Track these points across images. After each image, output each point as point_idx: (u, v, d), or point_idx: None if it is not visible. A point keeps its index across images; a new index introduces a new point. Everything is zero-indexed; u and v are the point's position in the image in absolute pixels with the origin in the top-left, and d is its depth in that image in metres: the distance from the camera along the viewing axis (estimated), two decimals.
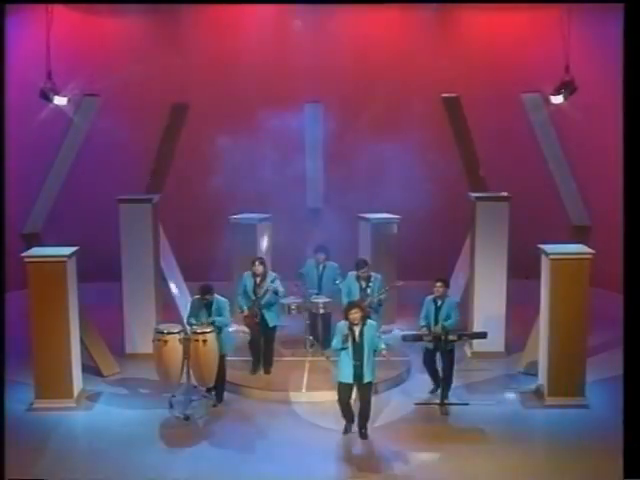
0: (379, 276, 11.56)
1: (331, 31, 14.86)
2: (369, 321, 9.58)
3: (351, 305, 9.63)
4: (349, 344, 9.29)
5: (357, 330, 9.34)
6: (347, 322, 9.36)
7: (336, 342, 9.40)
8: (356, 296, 11.20)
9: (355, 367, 9.33)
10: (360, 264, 11.54)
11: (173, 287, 13.36)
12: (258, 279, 11.24)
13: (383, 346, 9.51)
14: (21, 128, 13.19)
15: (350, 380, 9.40)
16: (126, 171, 13.89)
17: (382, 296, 11.43)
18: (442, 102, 13.17)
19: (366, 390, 9.51)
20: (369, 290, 11.35)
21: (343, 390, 9.51)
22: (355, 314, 9.32)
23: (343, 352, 9.35)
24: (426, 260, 13.97)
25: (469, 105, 13.04)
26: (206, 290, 10.40)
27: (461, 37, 14.84)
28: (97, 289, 13.05)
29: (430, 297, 10.65)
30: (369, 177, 14.94)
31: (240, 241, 13.48)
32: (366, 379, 9.40)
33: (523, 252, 11.77)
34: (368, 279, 11.40)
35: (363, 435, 9.58)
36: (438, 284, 10.58)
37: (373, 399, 9.66)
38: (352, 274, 11.52)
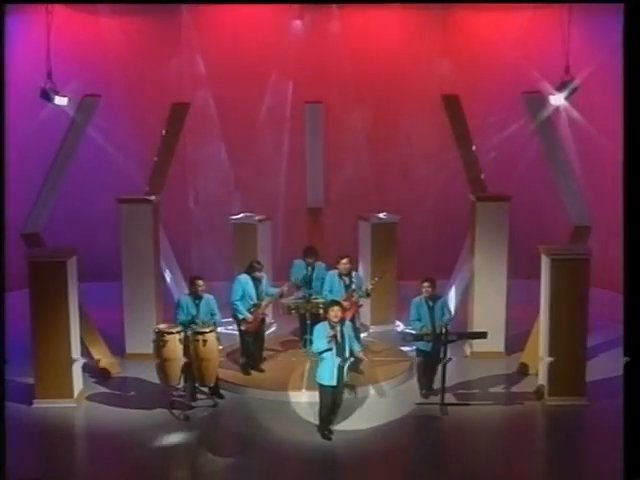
0: (359, 274, 11.39)
1: (331, 31, 14.87)
2: (346, 320, 9.54)
3: (332, 303, 9.46)
4: (333, 344, 9.12)
5: (338, 330, 9.19)
6: (326, 322, 9.21)
7: (320, 344, 9.14)
8: (340, 294, 10.97)
9: (339, 367, 9.17)
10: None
11: (173, 287, 13.35)
12: (257, 282, 11.17)
13: (358, 348, 9.49)
14: (21, 128, 13.19)
15: (334, 382, 9.21)
16: (126, 171, 13.89)
17: (369, 288, 11.27)
18: (442, 101, 13.15)
19: (340, 392, 9.40)
20: (354, 285, 11.12)
21: (326, 393, 9.30)
22: (336, 312, 9.17)
23: (327, 353, 9.15)
24: (426, 260, 13.97)
25: (469, 105, 13.03)
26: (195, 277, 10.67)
27: (461, 37, 14.84)
28: (97, 289, 13.04)
29: (419, 298, 10.50)
30: (369, 177, 14.95)
31: (240, 241, 13.47)
32: (344, 379, 9.31)
33: (523, 252, 11.77)
34: (350, 274, 11.16)
35: (328, 436, 9.39)
36: (426, 284, 10.43)
37: (373, 398, 9.64)
38: (333, 273, 11.26)
